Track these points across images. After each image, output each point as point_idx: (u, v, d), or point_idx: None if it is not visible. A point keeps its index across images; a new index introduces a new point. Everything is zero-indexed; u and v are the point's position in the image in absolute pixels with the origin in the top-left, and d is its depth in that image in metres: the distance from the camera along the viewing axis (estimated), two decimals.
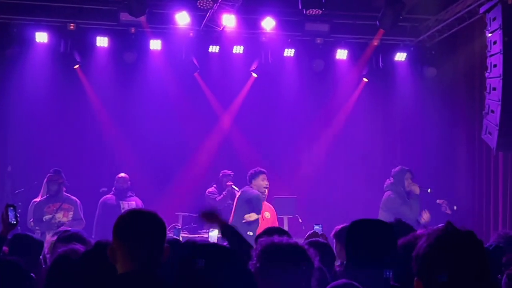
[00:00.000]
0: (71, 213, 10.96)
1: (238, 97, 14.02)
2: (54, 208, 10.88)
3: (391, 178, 11.29)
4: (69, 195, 11.15)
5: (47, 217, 10.81)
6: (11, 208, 5.72)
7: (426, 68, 13.47)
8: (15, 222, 5.68)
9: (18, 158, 13.09)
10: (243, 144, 14.04)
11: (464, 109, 13.43)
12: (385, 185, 11.46)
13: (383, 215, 10.49)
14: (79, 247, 3.91)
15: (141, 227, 3.21)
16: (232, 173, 12.20)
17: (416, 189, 10.50)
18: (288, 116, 14.05)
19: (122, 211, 10.84)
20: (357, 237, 3.63)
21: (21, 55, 12.71)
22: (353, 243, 3.63)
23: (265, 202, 11.14)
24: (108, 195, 11.76)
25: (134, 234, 3.19)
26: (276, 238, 3.66)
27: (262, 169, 11.23)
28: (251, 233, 10.07)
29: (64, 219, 10.81)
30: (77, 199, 11.19)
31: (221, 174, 12.24)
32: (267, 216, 10.89)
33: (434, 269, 2.36)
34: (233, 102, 14.04)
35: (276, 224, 10.49)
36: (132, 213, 3.34)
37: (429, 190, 10.89)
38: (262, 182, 11.00)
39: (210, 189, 12.21)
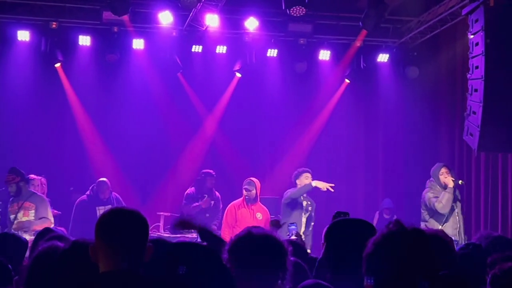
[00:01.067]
0: (32, 211, 10.21)
1: (221, 97, 14.00)
2: (16, 208, 10.18)
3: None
4: (36, 192, 10.61)
5: (11, 217, 10.43)
6: None
7: (409, 69, 13.52)
8: None
9: (2, 157, 12.98)
10: (226, 144, 14.04)
11: (446, 110, 13.51)
12: None
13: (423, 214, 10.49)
14: (60, 245, 3.88)
15: (123, 226, 3.18)
16: (214, 173, 12.14)
17: (450, 182, 10.26)
18: (271, 116, 14.06)
19: (98, 212, 10.77)
20: (337, 238, 3.62)
21: (3, 54, 12.63)
22: (333, 244, 3.62)
23: (258, 203, 11.10)
24: (84, 196, 11.56)
25: (115, 233, 3.16)
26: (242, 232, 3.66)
27: (305, 168, 11.25)
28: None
29: (25, 218, 10.16)
30: (44, 197, 10.64)
31: (202, 174, 12.14)
32: (259, 217, 10.85)
33: (380, 266, 2.36)
34: (216, 102, 14.02)
35: (268, 226, 10.40)
36: (114, 211, 3.30)
37: (460, 182, 10.69)
38: (305, 180, 10.98)
39: (189, 190, 12.12)
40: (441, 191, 10.20)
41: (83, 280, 3.23)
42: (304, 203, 11.13)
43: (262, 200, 11.52)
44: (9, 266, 4.49)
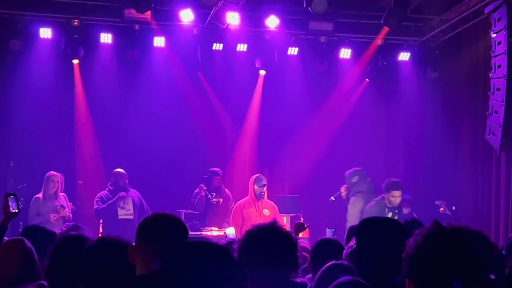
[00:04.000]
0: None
1: (241, 95, 14.00)
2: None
3: None
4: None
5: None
6: (12, 197, 5.66)
7: (430, 68, 13.46)
8: (16, 211, 5.63)
9: (20, 154, 13.08)
10: (245, 141, 14.05)
11: (468, 109, 13.41)
12: None
13: None
14: (88, 234, 3.93)
15: (165, 231, 3.23)
16: (220, 171, 12.18)
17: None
18: (291, 114, 14.03)
19: (118, 207, 10.98)
20: (367, 236, 3.61)
21: (25, 51, 12.69)
22: (363, 242, 3.62)
23: (265, 200, 11.13)
24: (104, 191, 11.69)
25: (156, 237, 3.20)
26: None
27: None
28: None
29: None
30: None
31: (208, 173, 12.18)
32: (266, 213, 10.87)
33: (424, 269, 2.35)
34: (237, 100, 14.02)
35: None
36: (157, 215, 3.35)
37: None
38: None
39: (197, 189, 12.15)
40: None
41: (107, 278, 3.25)
42: None
43: (280, 198, 11.54)
44: (37, 259, 4.51)
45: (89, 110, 13.53)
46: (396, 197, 10.85)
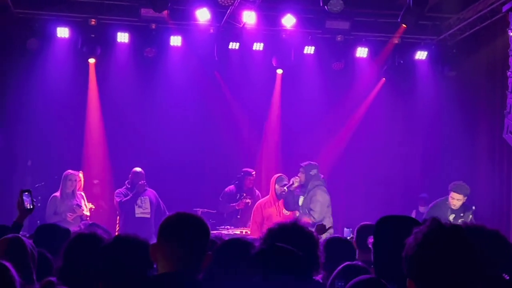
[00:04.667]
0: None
1: (257, 94, 13.99)
2: None
3: None
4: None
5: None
6: (26, 193, 5.67)
7: (447, 67, 13.41)
8: (31, 207, 5.64)
9: (38, 153, 13.16)
10: (262, 140, 14.04)
11: (485, 108, 13.33)
12: None
13: None
14: (102, 233, 3.94)
15: (186, 230, 3.23)
16: (254, 172, 12.17)
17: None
18: (307, 113, 14.01)
19: (135, 206, 11.03)
20: (385, 235, 3.59)
21: (42, 50, 12.76)
22: (381, 241, 3.60)
23: None
24: (121, 189, 11.72)
25: (178, 236, 3.21)
26: None
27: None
28: None
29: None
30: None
31: (242, 173, 12.19)
32: (286, 213, 10.84)
33: (425, 268, 2.34)
34: (252, 99, 14.01)
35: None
36: (180, 215, 3.35)
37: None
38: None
39: (228, 188, 12.16)
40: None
41: (125, 276, 3.26)
42: None
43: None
44: (49, 256, 4.52)
45: (105, 110, 13.57)
46: (454, 199, 10.66)
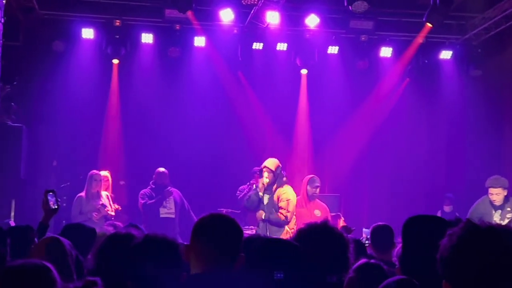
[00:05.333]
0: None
1: (281, 94, 13.99)
2: None
3: None
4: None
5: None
6: (51, 193, 5.71)
7: (472, 67, 13.32)
8: (56, 207, 5.68)
9: (63, 153, 13.25)
10: (286, 140, 14.03)
11: (510, 108, 13.24)
12: None
13: None
14: (138, 233, 3.96)
15: (221, 231, 3.25)
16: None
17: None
18: (331, 113, 13.98)
19: (160, 206, 11.03)
20: (414, 234, 3.58)
21: (67, 51, 12.86)
22: (409, 239, 3.58)
23: (317, 200, 11.07)
24: (146, 190, 11.75)
25: (212, 237, 3.23)
26: None
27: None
28: None
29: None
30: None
31: (252, 171, 12.17)
32: (317, 214, 10.80)
33: (461, 270, 2.32)
34: (276, 99, 14.01)
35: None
36: (214, 216, 3.37)
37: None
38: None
39: (242, 187, 12.17)
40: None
41: (153, 276, 3.27)
42: None
43: (321, 197, 11.48)
44: (81, 258, 4.55)
45: (129, 110, 13.65)
46: (493, 194, 10.25)
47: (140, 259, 3.44)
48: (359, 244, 5.65)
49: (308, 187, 10.94)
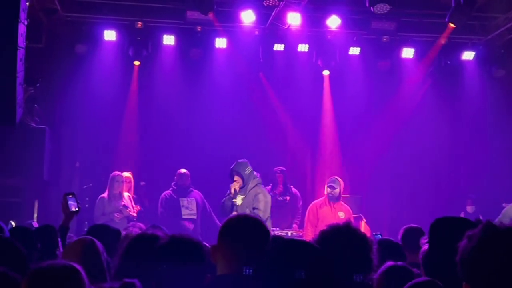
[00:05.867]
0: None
1: (302, 95, 13.96)
2: None
3: None
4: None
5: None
6: (70, 196, 5.74)
7: (495, 67, 13.23)
8: (77, 209, 5.71)
9: (86, 154, 13.32)
10: (307, 142, 14.02)
11: None
12: None
13: None
14: (162, 235, 3.98)
15: (248, 232, 3.26)
16: (281, 169, 12.09)
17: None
18: (353, 114, 13.95)
19: (182, 207, 11.04)
20: (440, 235, 3.56)
21: (90, 53, 12.93)
22: (437, 241, 3.57)
23: (341, 202, 11.04)
24: (168, 191, 11.78)
25: (240, 238, 3.24)
26: None
27: None
28: None
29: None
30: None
31: (273, 172, 12.17)
32: (341, 215, 10.77)
33: (481, 272, 2.30)
34: (297, 100, 13.99)
35: None
36: (241, 217, 3.41)
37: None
38: None
39: (266, 189, 12.16)
40: None
41: (179, 276, 3.28)
42: None
43: (343, 199, 11.45)
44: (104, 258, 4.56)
45: (151, 112, 13.70)
46: None
47: (165, 259, 3.45)
48: (396, 246, 5.58)
49: (327, 189, 10.95)
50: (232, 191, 10.28)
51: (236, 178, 10.34)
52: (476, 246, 2.34)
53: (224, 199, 10.45)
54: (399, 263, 4.14)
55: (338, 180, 10.99)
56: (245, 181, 10.34)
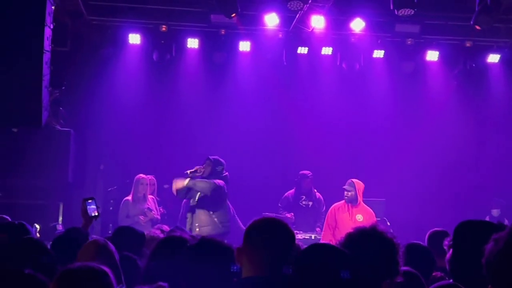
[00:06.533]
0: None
1: (326, 98, 13.95)
2: None
3: None
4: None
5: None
6: (90, 201, 5.77)
7: None
8: (96, 214, 5.74)
9: (110, 157, 13.41)
10: (332, 144, 13.98)
11: None
12: None
13: None
14: (186, 237, 4.00)
15: (274, 235, 3.24)
16: (311, 174, 12.08)
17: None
18: (377, 118, 13.92)
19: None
20: (465, 238, 3.54)
21: (115, 56, 13.02)
22: (461, 244, 3.54)
23: (361, 205, 10.96)
24: None
25: (266, 241, 3.22)
26: None
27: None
28: None
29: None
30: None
31: (298, 176, 12.16)
32: (359, 219, 10.72)
33: (508, 275, 2.29)
34: (321, 103, 13.98)
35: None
36: (267, 220, 3.39)
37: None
38: None
39: (287, 193, 12.17)
40: None
41: (208, 278, 3.29)
42: None
43: (366, 202, 11.40)
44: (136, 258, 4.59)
45: (175, 115, 13.75)
46: None
47: (195, 260, 3.46)
48: (425, 251, 5.52)
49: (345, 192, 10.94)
50: (194, 169, 10.74)
51: (205, 166, 10.82)
52: (503, 249, 2.33)
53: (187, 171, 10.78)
54: (405, 268, 4.11)
55: (354, 183, 10.94)
56: (209, 174, 10.77)
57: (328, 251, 3.17)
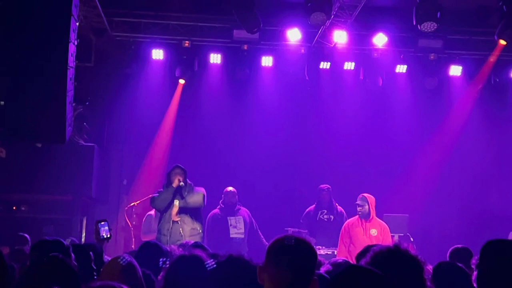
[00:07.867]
0: None
1: (349, 113, 13.93)
2: None
3: None
4: None
5: None
6: (102, 223, 5.84)
7: None
8: (108, 236, 5.80)
9: (133, 172, 13.47)
10: (354, 160, 13.95)
11: None
12: None
13: None
14: (201, 253, 4.00)
15: (296, 254, 3.21)
16: (328, 187, 12.01)
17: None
18: (400, 133, 13.85)
19: (230, 226, 11.06)
20: (491, 258, 3.51)
21: (138, 71, 13.08)
22: (489, 264, 3.52)
23: (374, 219, 10.89)
24: (216, 210, 11.79)
25: (287, 260, 3.19)
26: None
27: None
28: None
29: None
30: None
31: (317, 190, 12.10)
32: (373, 233, 10.66)
33: None
34: (344, 118, 13.96)
35: (386, 243, 10.05)
36: (289, 238, 3.32)
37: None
38: None
39: (309, 208, 12.11)
40: None
41: None
42: None
43: (388, 217, 11.33)
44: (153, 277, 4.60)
45: (198, 130, 13.79)
46: None
47: (222, 277, 3.45)
48: (460, 271, 5.44)
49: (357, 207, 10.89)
50: (177, 182, 10.58)
51: (181, 174, 10.74)
52: None
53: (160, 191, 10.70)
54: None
55: (366, 197, 10.88)
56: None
57: (368, 276, 3.09)
